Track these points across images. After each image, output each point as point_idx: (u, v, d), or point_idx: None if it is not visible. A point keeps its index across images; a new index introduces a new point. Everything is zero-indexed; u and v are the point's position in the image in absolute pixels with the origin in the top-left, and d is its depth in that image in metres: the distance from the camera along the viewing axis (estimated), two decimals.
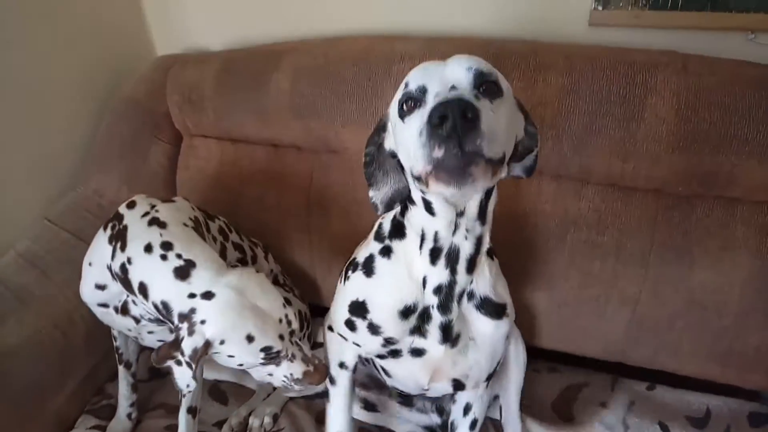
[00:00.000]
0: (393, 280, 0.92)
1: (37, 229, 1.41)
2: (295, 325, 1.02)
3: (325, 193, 1.45)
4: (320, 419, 1.31)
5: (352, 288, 0.97)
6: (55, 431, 1.30)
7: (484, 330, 0.94)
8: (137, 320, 1.12)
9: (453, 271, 0.88)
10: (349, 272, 0.99)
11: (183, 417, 1.18)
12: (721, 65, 1.18)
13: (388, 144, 0.86)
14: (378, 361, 1.04)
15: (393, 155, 0.85)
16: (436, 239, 0.86)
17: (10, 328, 1.23)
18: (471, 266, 0.88)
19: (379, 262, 0.94)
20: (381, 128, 0.88)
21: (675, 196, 1.22)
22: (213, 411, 1.36)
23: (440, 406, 1.26)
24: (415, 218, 0.87)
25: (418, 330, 0.92)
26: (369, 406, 1.31)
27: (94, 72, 1.63)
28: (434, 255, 0.87)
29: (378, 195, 0.88)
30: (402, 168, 0.83)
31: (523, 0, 1.41)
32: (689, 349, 1.27)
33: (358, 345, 0.99)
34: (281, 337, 0.99)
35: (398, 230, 0.92)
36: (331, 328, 1.06)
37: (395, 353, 0.96)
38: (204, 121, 1.53)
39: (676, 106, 1.13)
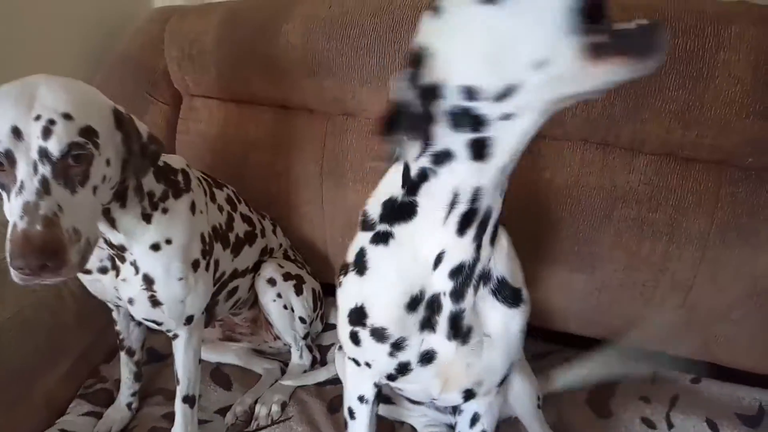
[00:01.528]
0: (394, 270, 0.77)
1: None
2: None
3: (339, 161, 1.30)
4: (332, 407, 1.21)
5: (346, 294, 0.82)
6: (45, 415, 1.20)
7: (501, 321, 0.79)
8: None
9: (479, 246, 0.73)
10: (341, 277, 0.84)
11: (179, 407, 1.07)
12: None
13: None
14: (390, 383, 0.90)
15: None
16: (475, 199, 0.68)
17: None
18: (494, 235, 0.74)
19: (373, 253, 0.78)
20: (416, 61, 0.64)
21: (742, 170, 1.07)
22: (215, 397, 1.26)
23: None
24: (446, 181, 0.68)
25: (428, 323, 0.78)
26: (383, 399, 1.20)
27: (89, 27, 1.49)
28: (465, 222, 0.70)
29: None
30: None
31: None
32: (746, 341, 1.14)
33: (369, 365, 0.85)
34: None
35: (403, 211, 0.75)
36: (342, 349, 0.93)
37: (404, 368, 0.81)
38: (205, 80, 1.38)
39: (754, 63, 0.97)
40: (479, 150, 0.63)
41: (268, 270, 1.24)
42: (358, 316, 0.79)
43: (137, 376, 1.20)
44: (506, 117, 0.59)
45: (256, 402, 1.23)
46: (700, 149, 1.06)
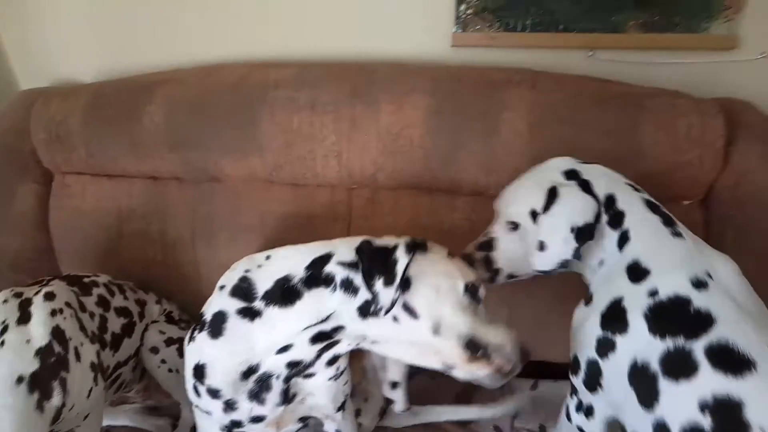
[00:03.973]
0: (244, 344, 0.90)
1: None
2: None
3: (209, 223, 1.44)
4: None
5: (194, 350, 0.94)
6: None
7: (322, 385, 1.00)
8: None
9: (319, 356, 0.93)
10: (195, 332, 0.95)
11: None
12: (567, 82, 1.31)
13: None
14: None
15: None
16: (336, 330, 0.90)
17: None
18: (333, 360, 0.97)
19: (233, 324, 0.91)
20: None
21: None
22: None
23: None
24: (333, 304, 0.88)
25: (257, 396, 0.94)
26: None
27: None
28: (321, 337, 0.90)
29: None
30: None
31: (391, 24, 1.49)
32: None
33: (209, 413, 0.98)
34: None
35: (288, 294, 0.89)
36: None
37: (238, 424, 0.97)
38: (75, 158, 1.46)
39: (529, 120, 1.24)
40: (364, 311, 0.86)
41: (151, 339, 1.32)
42: (199, 373, 0.93)
43: None
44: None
45: None
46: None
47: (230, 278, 0.96)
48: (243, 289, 0.92)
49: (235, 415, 0.95)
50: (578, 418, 0.97)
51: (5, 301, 1.04)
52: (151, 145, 1.40)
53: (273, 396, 0.95)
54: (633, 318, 0.84)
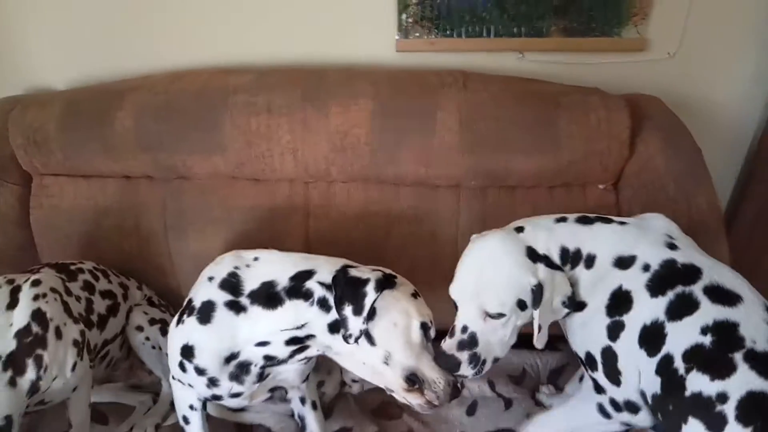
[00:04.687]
0: (229, 333, 1.05)
1: None
2: None
3: (180, 217, 1.58)
4: None
5: (183, 332, 1.08)
6: None
7: (292, 368, 1.15)
8: None
9: (293, 354, 1.08)
10: (184, 316, 1.08)
11: None
12: (493, 82, 1.49)
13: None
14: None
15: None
16: (308, 336, 1.06)
17: None
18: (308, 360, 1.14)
19: (221, 314, 1.05)
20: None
21: (470, 189, 1.50)
22: None
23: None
24: (309, 314, 1.03)
25: (237, 377, 1.09)
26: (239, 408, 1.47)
27: None
28: (295, 341, 1.06)
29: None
30: None
31: (341, 32, 1.64)
32: None
33: (191, 386, 1.13)
34: None
35: (271, 298, 1.04)
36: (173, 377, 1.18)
37: (218, 398, 1.14)
38: (52, 161, 1.58)
39: (459, 118, 1.41)
40: (333, 327, 1.03)
41: (136, 319, 1.47)
42: (187, 353, 1.08)
43: None
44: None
45: (131, 430, 1.45)
46: (440, 179, 1.49)
47: (218, 272, 1.09)
48: (231, 284, 1.07)
49: (216, 391, 1.11)
50: (624, 417, 1.06)
51: None
52: (123, 148, 1.53)
53: (250, 378, 1.10)
54: (637, 294, 0.99)
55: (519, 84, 1.50)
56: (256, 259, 1.11)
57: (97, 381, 1.56)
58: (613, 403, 1.06)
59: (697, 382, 0.89)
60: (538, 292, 1.00)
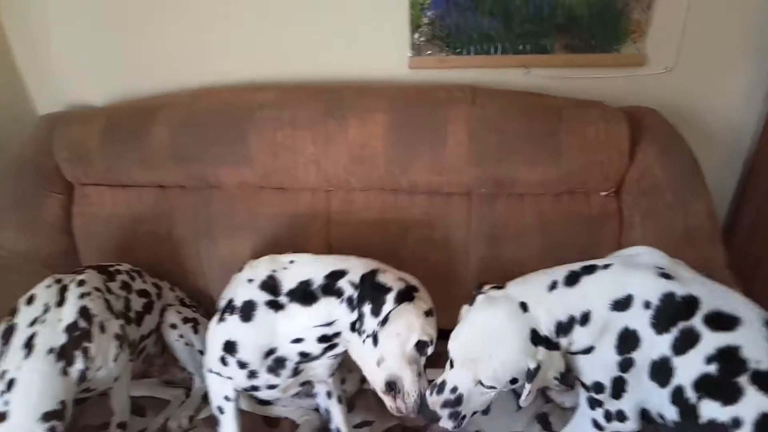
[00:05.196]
0: (269, 330, 1.16)
1: None
2: None
3: (210, 223, 1.70)
4: None
5: (225, 330, 1.19)
6: None
7: (323, 364, 1.26)
8: None
9: (325, 351, 1.19)
10: (225, 314, 1.19)
11: None
12: (500, 96, 1.60)
13: None
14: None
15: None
16: (336, 335, 1.16)
17: None
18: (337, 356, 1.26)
19: (261, 313, 1.16)
20: None
21: (480, 196, 1.61)
22: (133, 424, 1.55)
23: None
24: (338, 312, 1.14)
25: (273, 371, 1.20)
26: (263, 401, 1.56)
27: None
28: (326, 338, 1.17)
29: None
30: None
31: (357, 51, 1.76)
32: None
33: (230, 378, 1.24)
34: None
35: (308, 296, 1.15)
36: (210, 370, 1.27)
37: (255, 389, 1.25)
38: (93, 172, 1.72)
39: (469, 132, 1.52)
40: (353, 326, 1.14)
41: (170, 317, 1.58)
42: (229, 348, 1.20)
43: None
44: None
45: (167, 421, 1.56)
46: (452, 187, 1.59)
47: (257, 274, 1.21)
48: (271, 286, 1.18)
49: (255, 382, 1.23)
50: (614, 426, 1.11)
51: (48, 286, 1.30)
52: (158, 160, 1.66)
53: (286, 372, 1.21)
54: (643, 332, 1.01)
55: (524, 98, 1.60)
56: (291, 262, 1.22)
57: (135, 376, 1.67)
58: (607, 414, 1.11)
59: (710, 410, 0.93)
60: (534, 373, 1.03)
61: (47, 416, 1.13)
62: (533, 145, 1.52)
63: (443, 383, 1.09)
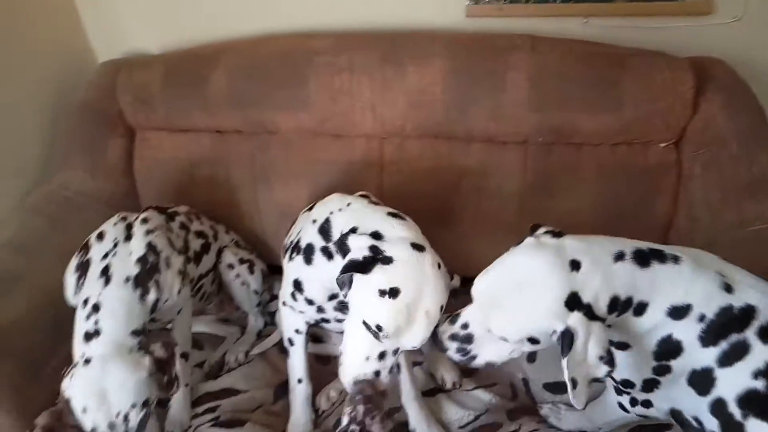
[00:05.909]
0: (327, 274, 1.11)
1: (16, 221, 1.63)
2: None
3: (266, 169, 1.74)
4: (283, 350, 1.57)
5: (293, 269, 1.23)
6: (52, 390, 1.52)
7: None
8: None
9: None
10: (293, 254, 1.22)
11: (179, 362, 1.45)
12: (561, 44, 1.57)
13: None
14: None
15: None
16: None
17: (7, 305, 1.45)
18: None
19: (318, 258, 1.16)
20: None
21: (537, 145, 1.60)
22: (192, 356, 1.63)
23: None
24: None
25: (340, 310, 1.24)
26: (316, 339, 1.63)
27: (46, 85, 1.86)
28: None
29: None
30: None
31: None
32: None
33: (302, 312, 1.29)
34: None
35: (343, 249, 1.05)
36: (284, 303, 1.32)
37: (326, 321, 1.30)
38: (154, 117, 1.77)
39: (529, 78, 1.51)
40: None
41: (227, 258, 1.65)
42: (297, 286, 1.24)
43: None
44: None
45: (224, 354, 1.63)
46: (509, 135, 1.59)
47: (320, 214, 1.17)
48: (325, 230, 1.15)
49: (324, 315, 1.28)
50: (638, 410, 1.07)
51: (115, 224, 1.36)
52: (216, 105, 1.70)
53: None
54: (688, 344, 0.92)
55: (585, 47, 1.57)
56: (348, 204, 1.17)
57: (194, 313, 1.75)
58: (632, 401, 1.07)
59: (760, 431, 0.86)
60: (567, 338, 0.89)
61: (136, 333, 1.19)
62: (595, 92, 1.50)
63: (457, 315, 1.02)
